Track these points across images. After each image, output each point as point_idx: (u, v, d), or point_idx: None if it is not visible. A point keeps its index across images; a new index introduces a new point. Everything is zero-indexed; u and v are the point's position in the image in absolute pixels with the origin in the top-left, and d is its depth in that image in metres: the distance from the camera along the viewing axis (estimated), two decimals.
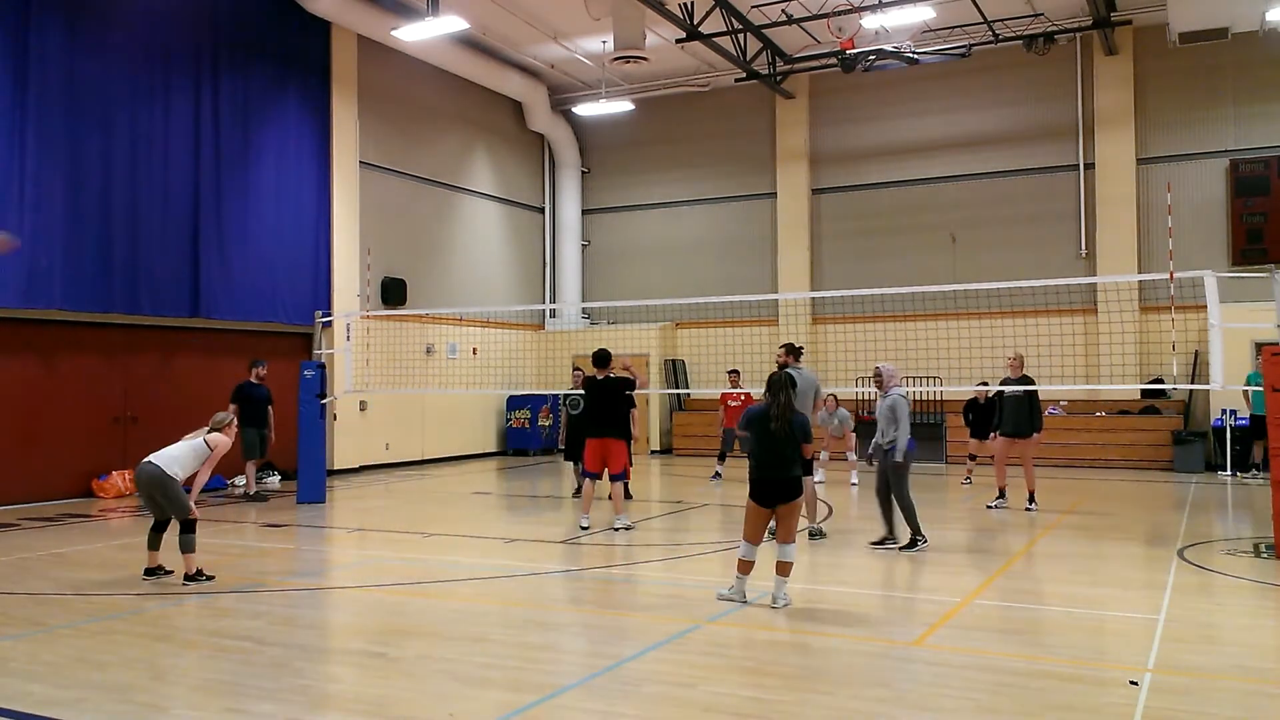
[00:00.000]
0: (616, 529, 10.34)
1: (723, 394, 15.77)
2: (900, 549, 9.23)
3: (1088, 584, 7.99)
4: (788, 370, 7.16)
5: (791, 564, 7.00)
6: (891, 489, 9.32)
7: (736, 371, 15.79)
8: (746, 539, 7.07)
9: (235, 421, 8.49)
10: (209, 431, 8.19)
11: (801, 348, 10.07)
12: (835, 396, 14.80)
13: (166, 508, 7.93)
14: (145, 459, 8.00)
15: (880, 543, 9.44)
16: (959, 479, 14.93)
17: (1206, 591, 7.70)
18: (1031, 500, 11.84)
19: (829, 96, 20.66)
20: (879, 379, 9.55)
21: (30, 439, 13.12)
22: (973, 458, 14.63)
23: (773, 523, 7.16)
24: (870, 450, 9.96)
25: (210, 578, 7.88)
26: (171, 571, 8.05)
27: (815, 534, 9.95)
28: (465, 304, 19.59)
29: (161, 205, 14.22)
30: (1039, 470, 13.17)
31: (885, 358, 17.11)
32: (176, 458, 7.95)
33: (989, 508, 11.94)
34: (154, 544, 8.04)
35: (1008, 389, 11.90)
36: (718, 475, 15.30)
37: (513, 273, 21.97)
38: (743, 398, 15.27)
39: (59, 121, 13.03)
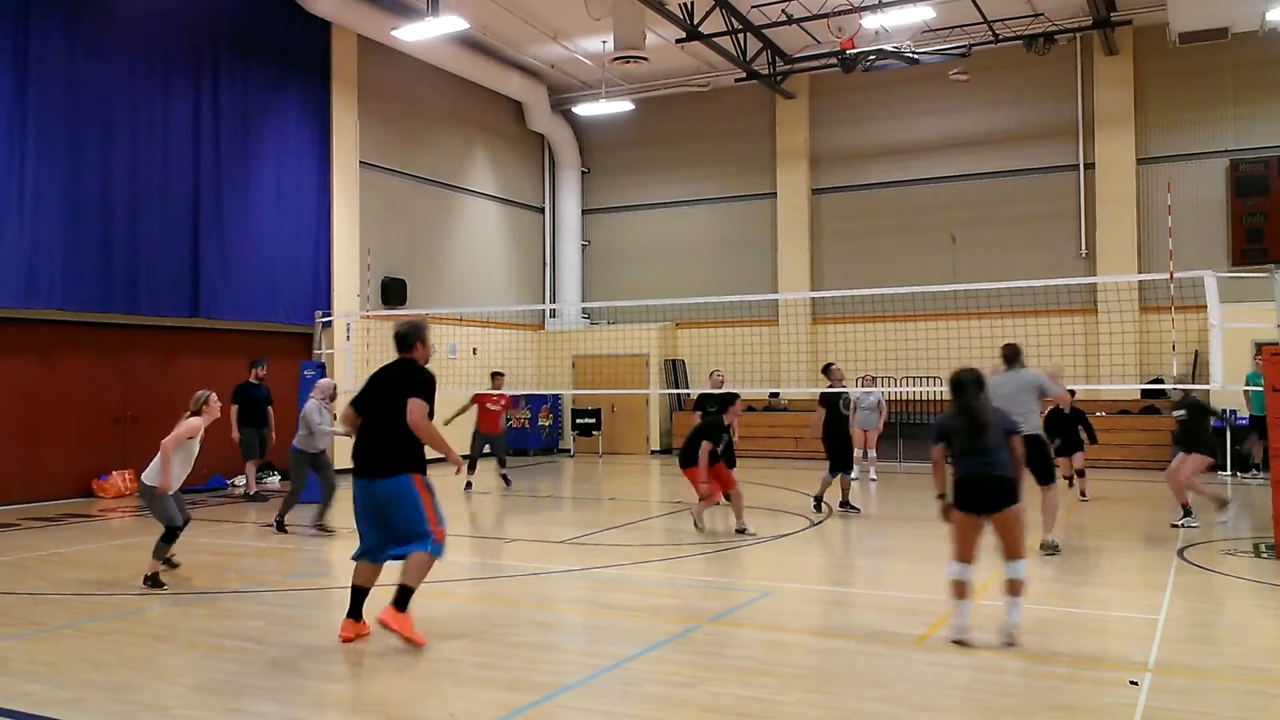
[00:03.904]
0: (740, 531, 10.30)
1: (477, 395, 14.64)
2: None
3: (1088, 584, 7.99)
4: (972, 369, 6.41)
5: (1023, 582, 5.95)
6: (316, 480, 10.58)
7: (500, 374, 14.99)
8: (957, 558, 6.06)
9: (212, 399, 8.02)
10: (186, 419, 7.88)
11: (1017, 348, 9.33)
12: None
13: (156, 518, 7.84)
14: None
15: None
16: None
17: (1206, 591, 7.70)
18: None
19: (829, 96, 20.65)
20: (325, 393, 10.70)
21: (30, 439, 13.12)
22: (1081, 474, 12.99)
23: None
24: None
25: (162, 585, 7.64)
26: (179, 565, 8.21)
27: (1049, 549, 8.98)
28: (465, 304, 19.59)
29: (161, 205, 14.22)
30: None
31: (886, 358, 17.18)
32: (158, 467, 7.76)
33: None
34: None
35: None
36: (469, 485, 14.43)
37: (513, 273, 21.97)
38: (503, 401, 14.69)
39: (59, 121, 13.03)
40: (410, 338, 6.25)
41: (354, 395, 6.33)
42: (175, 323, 14.63)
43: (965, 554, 6.02)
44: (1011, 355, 9.26)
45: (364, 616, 6.18)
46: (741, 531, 10.23)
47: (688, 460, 10.47)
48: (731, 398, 10.87)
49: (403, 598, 5.95)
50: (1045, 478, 9.06)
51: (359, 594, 6.19)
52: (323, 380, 11.13)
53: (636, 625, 6.74)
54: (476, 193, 20.84)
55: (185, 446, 7.82)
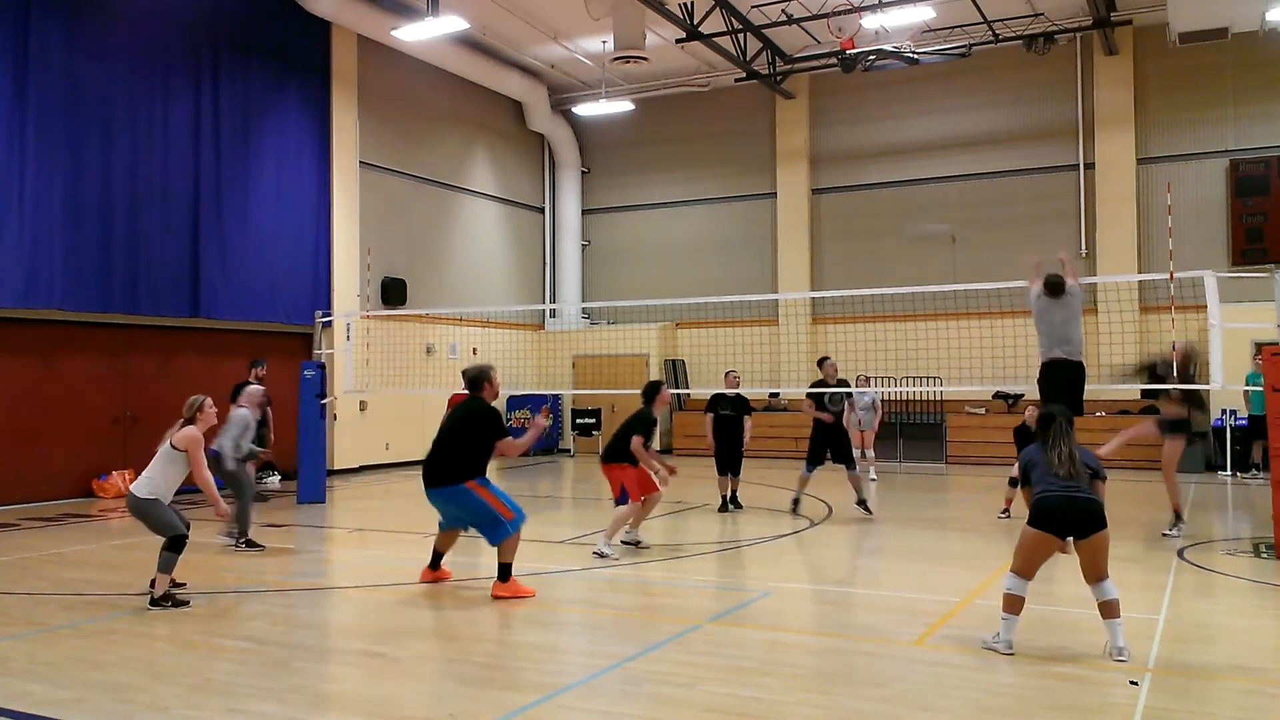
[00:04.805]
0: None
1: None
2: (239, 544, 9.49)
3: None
4: (1066, 409, 6.08)
5: (1118, 601, 5.72)
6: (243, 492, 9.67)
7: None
8: (1017, 571, 5.83)
9: (206, 404, 7.69)
10: (180, 427, 7.50)
11: None
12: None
13: (154, 532, 7.25)
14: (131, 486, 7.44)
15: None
16: (962, 479, 14.85)
17: (1206, 591, 7.70)
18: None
19: (829, 96, 20.65)
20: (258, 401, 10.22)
21: (30, 439, 13.12)
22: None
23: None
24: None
25: (184, 603, 7.15)
26: (185, 584, 7.58)
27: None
28: (465, 304, 19.59)
29: (161, 205, 14.22)
30: None
31: (885, 358, 17.16)
32: (148, 478, 7.29)
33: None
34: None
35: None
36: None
37: (513, 273, 21.97)
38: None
39: (59, 121, 13.03)
40: (480, 380, 7.79)
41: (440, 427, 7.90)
42: (175, 323, 14.64)
43: (1030, 571, 5.82)
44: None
45: (441, 567, 7.95)
46: (606, 548, 9.19)
47: (613, 456, 9.45)
48: (656, 386, 9.88)
49: (503, 572, 7.39)
50: None
51: (437, 554, 7.96)
52: (253, 388, 10.33)
53: (636, 625, 6.75)
54: (476, 193, 20.84)
55: (184, 456, 7.38)
